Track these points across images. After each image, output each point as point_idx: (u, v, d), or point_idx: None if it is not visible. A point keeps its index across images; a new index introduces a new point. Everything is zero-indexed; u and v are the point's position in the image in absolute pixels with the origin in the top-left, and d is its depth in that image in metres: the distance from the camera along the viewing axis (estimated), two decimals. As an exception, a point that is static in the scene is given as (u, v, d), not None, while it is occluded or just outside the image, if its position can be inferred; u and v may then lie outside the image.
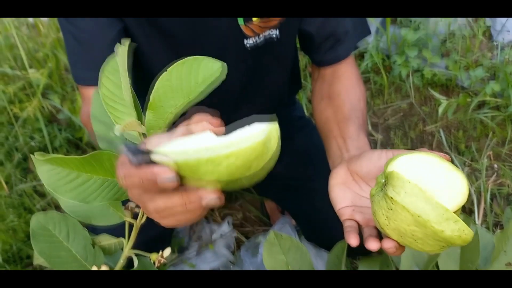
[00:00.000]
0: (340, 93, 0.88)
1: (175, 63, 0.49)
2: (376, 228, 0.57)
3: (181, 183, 0.41)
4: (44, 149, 1.59)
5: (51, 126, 1.65)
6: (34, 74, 1.68)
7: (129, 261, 0.61)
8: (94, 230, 0.61)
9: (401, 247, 0.54)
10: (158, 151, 0.39)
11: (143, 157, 0.39)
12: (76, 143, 1.65)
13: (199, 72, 0.47)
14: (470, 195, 1.43)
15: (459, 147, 1.59)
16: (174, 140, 0.41)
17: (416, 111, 1.73)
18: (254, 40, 0.85)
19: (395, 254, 0.55)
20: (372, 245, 0.55)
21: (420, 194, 0.48)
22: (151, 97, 0.48)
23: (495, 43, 1.82)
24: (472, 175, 1.49)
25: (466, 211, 1.43)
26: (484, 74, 1.65)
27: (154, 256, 0.59)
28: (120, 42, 0.82)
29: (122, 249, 0.61)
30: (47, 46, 1.83)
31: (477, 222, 1.34)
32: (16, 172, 1.49)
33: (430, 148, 1.63)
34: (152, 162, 0.39)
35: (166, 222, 0.45)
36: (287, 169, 1.08)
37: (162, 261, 0.59)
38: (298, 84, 1.15)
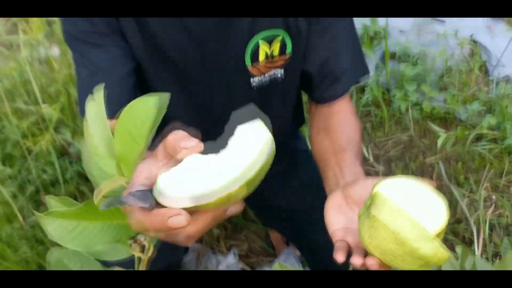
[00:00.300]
0: (337, 127, 0.92)
1: (122, 111, 0.52)
2: (364, 249, 0.61)
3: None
4: (55, 182, 1.64)
5: (63, 159, 1.69)
6: (46, 109, 1.74)
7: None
8: (106, 263, 0.65)
9: (384, 266, 0.57)
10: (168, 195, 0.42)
11: (152, 200, 0.42)
12: (86, 175, 1.70)
13: (148, 111, 0.50)
14: (469, 225, 1.46)
15: (458, 179, 1.63)
16: (171, 174, 0.44)
17: (416, 144, 1.77)
18: (259, 79, 0.90)
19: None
20: (356, 260, 0.58)
21: (399, 213, 0.52)
22: (115, 150, 0.51)
23: (490, 78, 1.87)
24: (471, 206, 1.52)
25: (466, 242, 1.45)
26: (481, 108, 1.69)
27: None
28: (131, 80, 0.87)
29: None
30: (59, 82, 1.90)
31: (476, 252, 1.36)
32: (28, 205, 1.53)
33: (431, 179, 1.67)
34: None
35: (187, 241, 0.48)
36: (291, 202, 1.11)
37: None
38: (301, 119, 1.20)
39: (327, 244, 0.93)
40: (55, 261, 0.61)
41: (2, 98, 1.67)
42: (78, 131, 1.79)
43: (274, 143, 0.46)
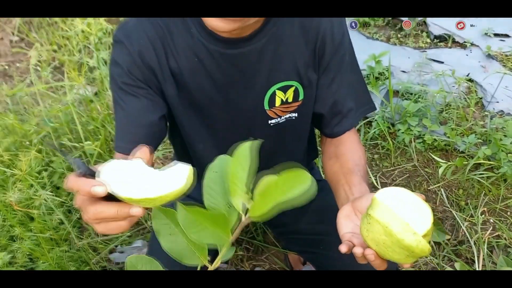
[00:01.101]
0: (345, 153, 1.05)
1: (282, 174, 0.68)
2: (365, 246, 0.74)
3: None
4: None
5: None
6: (88, 146, 1.90)
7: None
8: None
9: (380, 258, 0.70)
10: (101, 175, 0.55)
11: (88, 171, 0.56)
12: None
13: (296, 184, 0.66)
14: (471, 247, 1.57)
15: (459, 204, 1.74)
16: (113, 162, 0.58)
17: (420, 172, 1.90)
18: (276, 120, 1.04)
19: (375, 263, 0.71)
20: (357, 250, 0.72)
21: (389, 212, 0.65)
22: (260, 185, 0.67)
23: (486, 113, 2.00)
24: (472, 229, 1.63)
25: (468, 262, 1.55)
26: (477, 140, 1.82)
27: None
28: (160, 126, 1.02)
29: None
30: (98, 120, 2.07)
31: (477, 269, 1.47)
32: (74, 230, 1.67)
33: (434, 205, 1.79)
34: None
35: (100, 228, 0.61)
36: (308, 226, 1.23)
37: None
38: (315, 153, 1.33)
39: (340, 261, 1.05)
40: (131, 266, 0.75)
41: (51, 135, 1.84)
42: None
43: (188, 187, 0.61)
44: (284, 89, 1.00)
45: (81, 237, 1.69)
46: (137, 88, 0.96)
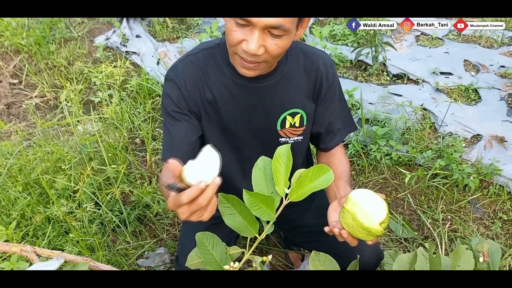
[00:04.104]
0: (334, 162, 1.26)
1: (312, 168, 0.88)
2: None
3: None
4: (122, 222, 1.93)
5: (125, 207, 1.99)
6: (110, 169, 2.04)
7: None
8: (227, 244, 0.97)
9: (351, 236, 0.93)
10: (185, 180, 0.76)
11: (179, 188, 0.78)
12: (141, 218, 2.00)
13: (320, 174, 0.87)
14: (434, 239, 1.80)
15: (422, 207, 1.99)
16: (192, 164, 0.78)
17: (390, 183, 2.14)
18: (285, 139, 1.26)
19: (348, 239, 0.94)
20: (335, 230, 0.95)
21: (355, 205, 0.89)
22: (296, 177, 0.87)
23: (438, 134, 2.28)
24: (434, 225, 1.87)
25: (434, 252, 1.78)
26: (433, 155, 2.09)
27: (265, 258, 0.95)
28: (197, 144, 1.21)
29: (243, 255, 0.96)
30: (113, 148, 2.23)
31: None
32: (107, 240, 1.81)
33: (403, 209, 2.02)
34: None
35: (192, 216, 0.79)
36: (311, 220, 1.43)
37: (267, 261, 0.95)
38: (311, 163, 1.55)
39: (337, 246, 1.25)
40: (200, 241, 0.93)
41: (84, 160, 1.99)
42: (133, 185, 2.11)
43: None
44: (293, 115, 1.21)
45: (114, 244, 1.83)
46: (182, 115, 1.16)
